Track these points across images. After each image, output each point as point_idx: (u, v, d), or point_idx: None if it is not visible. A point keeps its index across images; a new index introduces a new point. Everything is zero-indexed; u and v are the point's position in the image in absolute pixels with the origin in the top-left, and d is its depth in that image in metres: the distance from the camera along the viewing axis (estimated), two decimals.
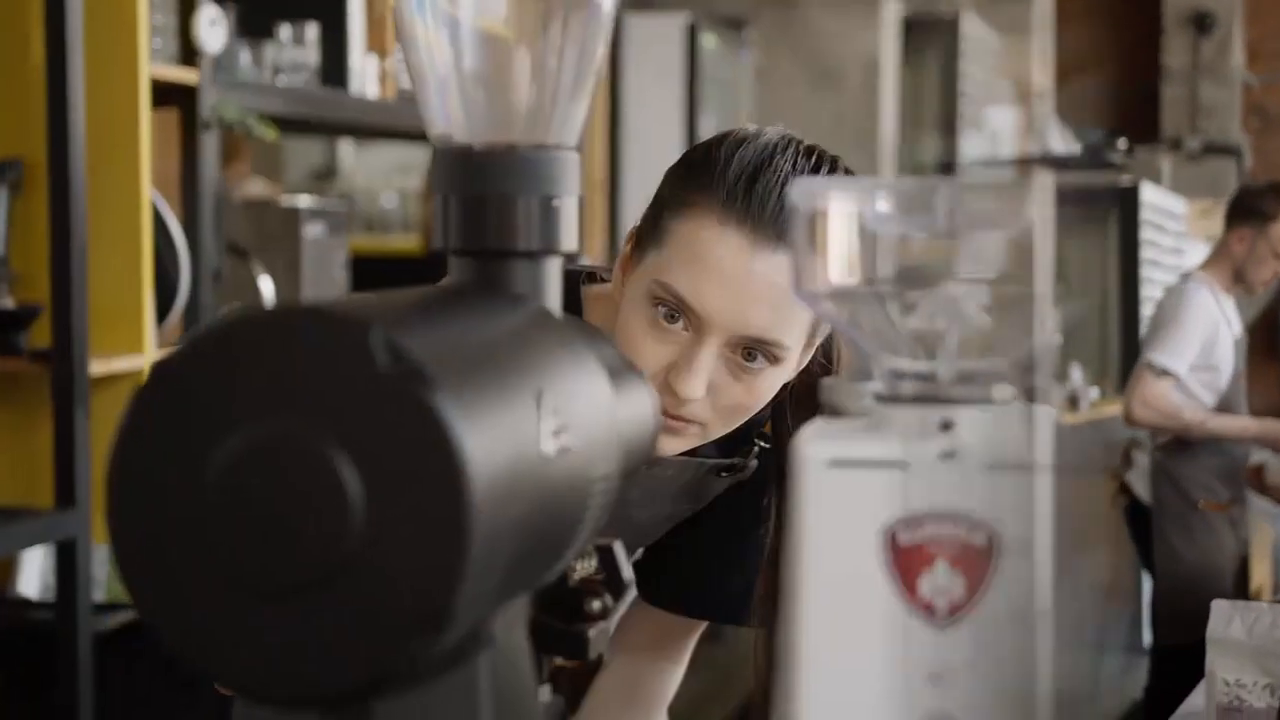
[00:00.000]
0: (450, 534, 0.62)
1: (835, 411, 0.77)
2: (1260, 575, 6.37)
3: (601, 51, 0.83)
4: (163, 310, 2.93)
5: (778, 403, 1.43)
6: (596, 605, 0.84)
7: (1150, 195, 7.51)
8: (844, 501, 0.70)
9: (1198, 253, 8.59)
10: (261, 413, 0.63)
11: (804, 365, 1.40)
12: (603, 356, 0.83)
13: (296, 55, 3.36)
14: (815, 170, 1.35)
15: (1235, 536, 4.75)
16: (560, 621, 0.82)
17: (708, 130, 7.36)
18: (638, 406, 0.87)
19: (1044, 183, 0.69)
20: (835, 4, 6.55)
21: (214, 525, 0.63)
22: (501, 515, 0.64)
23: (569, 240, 0.82)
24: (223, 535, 0.63)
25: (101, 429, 2.63)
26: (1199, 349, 4.53)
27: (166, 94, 2.95)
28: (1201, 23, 9.76)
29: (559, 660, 0.84)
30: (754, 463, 1.50)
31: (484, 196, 0.81)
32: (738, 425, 1.38)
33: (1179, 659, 4.23)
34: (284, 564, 0.63)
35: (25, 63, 2.69)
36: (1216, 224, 8.64)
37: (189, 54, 2.97)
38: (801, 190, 0.71)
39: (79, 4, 2.61)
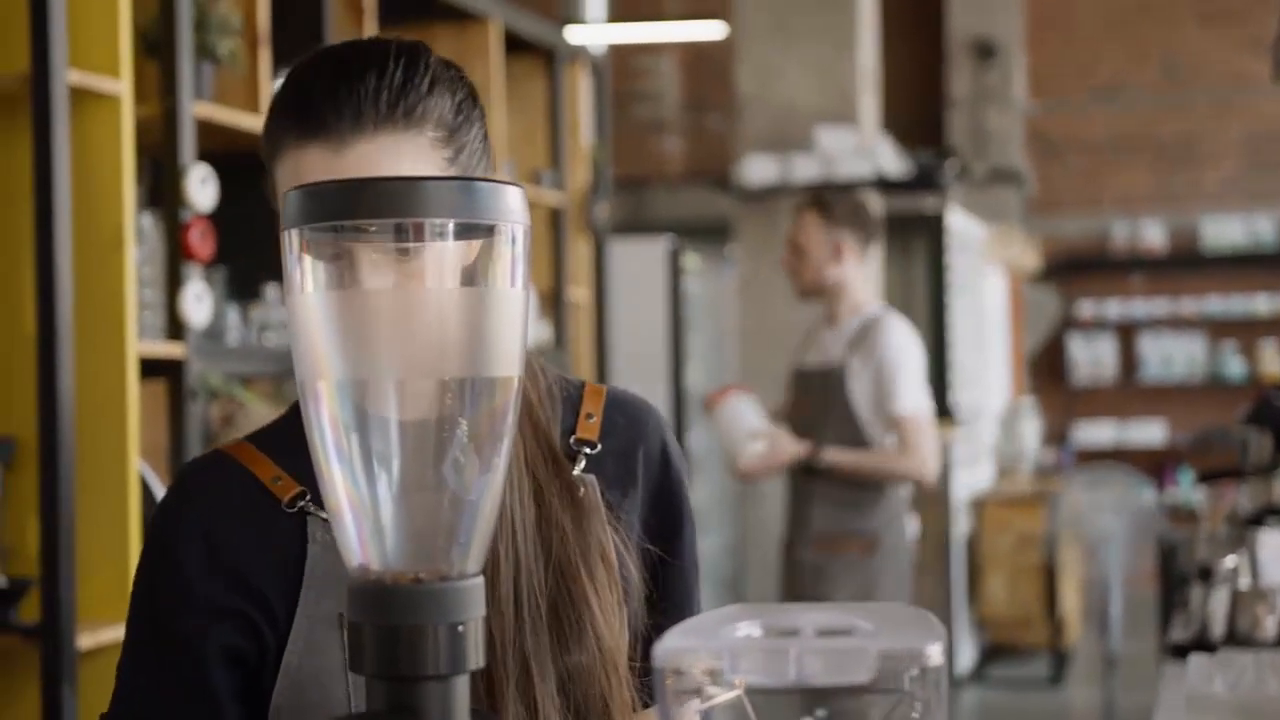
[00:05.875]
0: None
1: None
2: None
3: (496, 499, 0.92)
4: None
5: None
6: None
7: (954, 221, 7.69)
8: None
9: (995, 276, 8.71)
10: None
11: None
12: None
13: (283, 313, 3.48)
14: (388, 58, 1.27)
15: (859, 580, 4.15)
16: None
17: (694, 346, 7.55)
18: None
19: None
20: None
21: None
22: None
23: (475, 658, 0.91)
24: None
25: (90, 704, 2.69)
26: None
27: (155, 366, 3.06)
28: (984, 51, 10.01)
29: None
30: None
31: (396, 627, 0.90)
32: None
33: None
34: None
35: (16, 342, 2.80)
36: (1008, 249, 8.76)
37: (176, 326, 3.09)
38: (663, 651, 0.80)
39: (69, 283, 2.73)
